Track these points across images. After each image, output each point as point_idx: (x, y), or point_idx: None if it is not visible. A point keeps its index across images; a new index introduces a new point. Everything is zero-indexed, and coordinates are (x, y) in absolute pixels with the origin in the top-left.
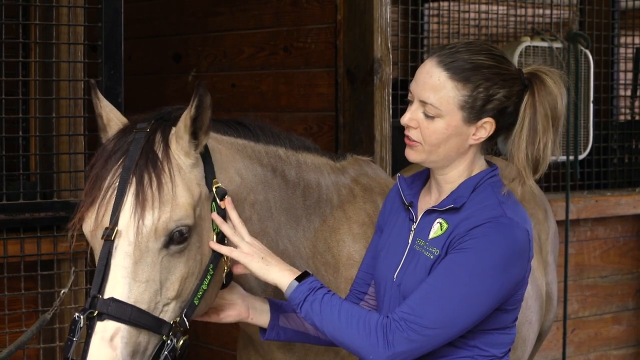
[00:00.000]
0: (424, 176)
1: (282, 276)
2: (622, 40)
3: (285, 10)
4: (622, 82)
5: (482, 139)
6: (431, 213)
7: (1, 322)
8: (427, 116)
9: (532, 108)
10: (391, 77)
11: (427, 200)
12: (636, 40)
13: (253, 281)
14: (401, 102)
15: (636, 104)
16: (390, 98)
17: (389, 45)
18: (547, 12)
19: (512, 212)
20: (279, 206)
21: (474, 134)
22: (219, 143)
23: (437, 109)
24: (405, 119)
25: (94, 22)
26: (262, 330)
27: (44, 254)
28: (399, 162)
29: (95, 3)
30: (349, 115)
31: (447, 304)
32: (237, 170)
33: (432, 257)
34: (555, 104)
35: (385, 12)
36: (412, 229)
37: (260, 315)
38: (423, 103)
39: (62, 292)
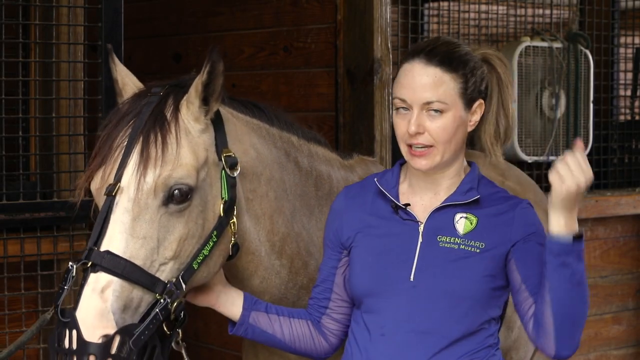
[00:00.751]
0: (396, 176)
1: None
2: (622, 40)
3: (285, 10)
4: (622, 82)
5: (476, 122)
6: (441, 210)
7: (1, 322)
8: (432, 115)
9: (497, 83)
10: (391, 77)
11: (417, 201)
12: (636, 40)
13: (266, 259)
14: (400, 116)
15: (636, 104)
16: (391, 98)
17: (389, 45)
18: (547, 12)
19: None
20: (294, 191)
21: (470, 121)
22: (234, 117)
23: (443, 103)
24: (412, 128)
25: (94, 22)
26: (231, 323)
27: (44, 254)
28: None
29: (95, 3)
30: (349, 115)
31: None
32: (252, 144)
33: (478, 250)
34: (509, 74)
35: (385, 12)
36: (420, 230)
37: (230, 307)
38: (426, 104)
39: None
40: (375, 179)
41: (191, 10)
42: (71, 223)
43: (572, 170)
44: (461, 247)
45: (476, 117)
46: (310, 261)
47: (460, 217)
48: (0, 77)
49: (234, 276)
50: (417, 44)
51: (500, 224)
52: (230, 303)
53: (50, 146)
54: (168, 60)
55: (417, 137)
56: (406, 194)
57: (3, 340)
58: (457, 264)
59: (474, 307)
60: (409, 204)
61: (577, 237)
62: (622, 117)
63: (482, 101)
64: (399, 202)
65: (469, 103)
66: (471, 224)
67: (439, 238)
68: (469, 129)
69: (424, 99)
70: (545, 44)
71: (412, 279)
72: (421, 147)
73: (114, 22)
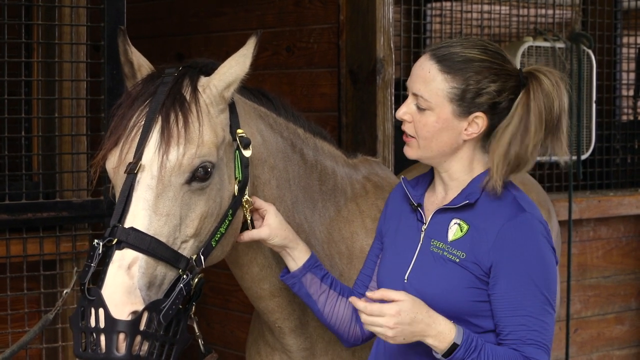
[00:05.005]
0: (428, 178)
1: (448, 324)
2: (625, 40)
3: (288, 10)
4: (624, 82)
5: (475, 135)
6: (442, 212)
7: (4, 322)
8: (419, 109)
9: (525, 107)
10: (394, 77)
11: (433, 200)
12: (639, 40)
13: (266, 246)
14: (404, 102)
15: (639, 104)
16: (393, 98)
17: (392, 45)
18: (550, 12)
19: (529, 206)
20: (297, 182)
21: (465, 129)
22: (242, 102)
23: (427, 101)
24: (400, 113)
25: (97, 22)
26: (285, 269)
27: (47, 254)
28: (402, 162)
29: (97, 3)
30: (351, 116)
31: (550, 316)
32: (259, 130)
33: (457, 260)
34: (551, 105)
35: (387, 12)
36: (422, 230)
37: (293, 260)
38: (415, 96)
39: (64, 292)
40: (403, 177)
41: (194, 10)
42: (75, 222)
43: (372, 323)
44: (444, 253)
45: (474, 129)
46: None
47: (454, 223)
48: (3, 77)
49: (234, 261)
50: (450, 39)
51: (485, 236)
52: (296, 256)
53: (53, 146)
54: (171, 60)
55: (405, 124)
56: (430, 192)
57: (6, 340)
58: (438, 271)
59: (457, 320)
60: (420, 204)
61: (451, 350)
62: (624, 117)
63: (481, 114)
64: (416, 200)
65: (461, 111)
66: (461, 231)
67: (432, 241)
68: (464, 137)
69: (414, 89)
70: (547, 44)
71: (406, 280)
72: (409, 135)
73: (116, 22)
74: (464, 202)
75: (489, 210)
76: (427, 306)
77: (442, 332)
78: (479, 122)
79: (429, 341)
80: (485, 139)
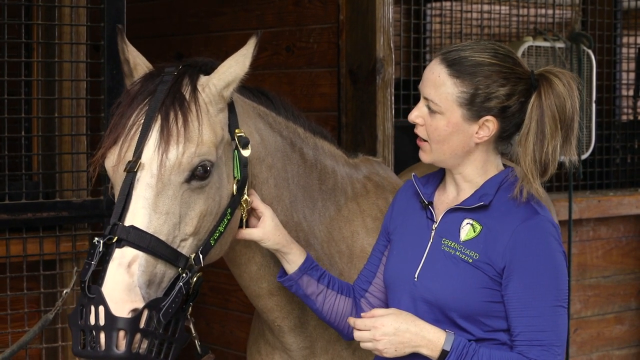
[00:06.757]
0: (438, 176)
1: (437, 332)
2: (625, 40)
3: (288, 10)
4: (624, 82)
5: (486, 138)
6: (454, 212)
7: (4, 322)
8: (430, 112)
9: (538, 110)
10: (393, 76)
11: (444, 200)
12: (638, 40)
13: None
14: (403, 102)
15: (639, 104)
16: (393, 98)
17: (392, 45)
18: (550, 12)
19: (542, 209)
20: (297, 181)
21: (477, 133)
22: (241, 101)
23: (437, 105)
24: (412, 116)
25: (97, 22)
26: (283, 271)
27: (47, 254)
28: (401, 162)
29: (97, 3)
30: (351, 115)
31: (561, 317)
32: (257, 129)
33: (470, 260)
34: (564, 106)
35: (387, 12)
36: (433, 228)
37: (289, 263)
38: (426, 99)
39: (64, 292)
40: (413, 174)
41: (194, 10)
42: (75, 222)
43: (360, 337)
44: (457, 253)
45: (485, 132)
46: (310, 252)
47: (467, 223)
48: (3, 77)
49: (233, 260)
50: (462, 43)
51: (499, 237)
52: (291, 260)
53: (53, 146)
54: (170, 60)
55: (417, 128)
56: (440, 191)
57: (5, 340)
58: (450, 270)
59: (468, 319)
60: (431, 202)
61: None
62: (624, 117)
63: (491, 118)
64: (427, 198)
65: (471, 115)
66: (474, 231)
67: (443, 240)
68: (476, 140)
69: (425, 93)
70: (547, 44)
71: (416, 278)
72: (422, 139)
73: (116, 22)
74: (478, 203)
75: (502, 211)
76: (414, 317)
77: (431, 341)
78: (489, 125)
79: (423, 351)
80: (498, 141)
